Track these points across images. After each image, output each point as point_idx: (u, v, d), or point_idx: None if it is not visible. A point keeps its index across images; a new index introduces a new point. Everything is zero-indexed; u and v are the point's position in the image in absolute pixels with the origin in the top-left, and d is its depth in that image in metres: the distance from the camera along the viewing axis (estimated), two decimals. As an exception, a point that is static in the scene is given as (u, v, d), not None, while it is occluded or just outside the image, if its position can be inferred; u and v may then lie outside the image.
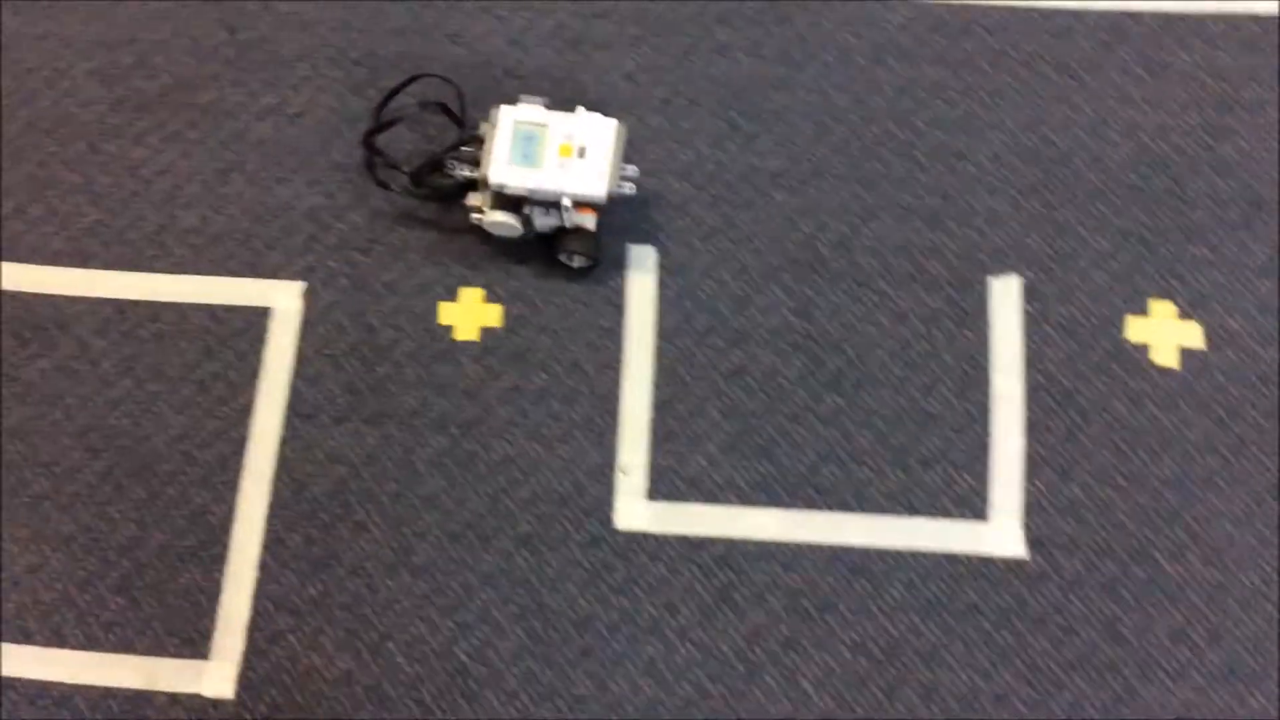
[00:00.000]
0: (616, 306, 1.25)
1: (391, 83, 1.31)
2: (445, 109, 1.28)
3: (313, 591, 1.17)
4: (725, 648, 1.14)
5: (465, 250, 1.27)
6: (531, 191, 1.16)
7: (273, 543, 1.18)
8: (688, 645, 1.14)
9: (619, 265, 1.26)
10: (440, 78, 1.30)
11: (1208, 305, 1.22)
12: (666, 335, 1.24)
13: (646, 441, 1.20)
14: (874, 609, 1.15)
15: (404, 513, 1.19)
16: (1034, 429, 1.19)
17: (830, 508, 1.18)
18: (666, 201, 1.28)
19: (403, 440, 1.21)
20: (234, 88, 1.33)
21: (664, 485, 1.19)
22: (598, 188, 1.16)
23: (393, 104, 1.29)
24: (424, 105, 1.29)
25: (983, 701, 1.11)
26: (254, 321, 1.25)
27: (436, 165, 1.23)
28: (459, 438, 1.21)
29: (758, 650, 1.14)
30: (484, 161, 1.16)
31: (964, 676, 1.12)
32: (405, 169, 1.25)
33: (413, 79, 1.28)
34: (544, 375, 1.23)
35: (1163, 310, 1.22)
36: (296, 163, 1.30)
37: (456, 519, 1.19)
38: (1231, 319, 1.21)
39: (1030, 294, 1.23)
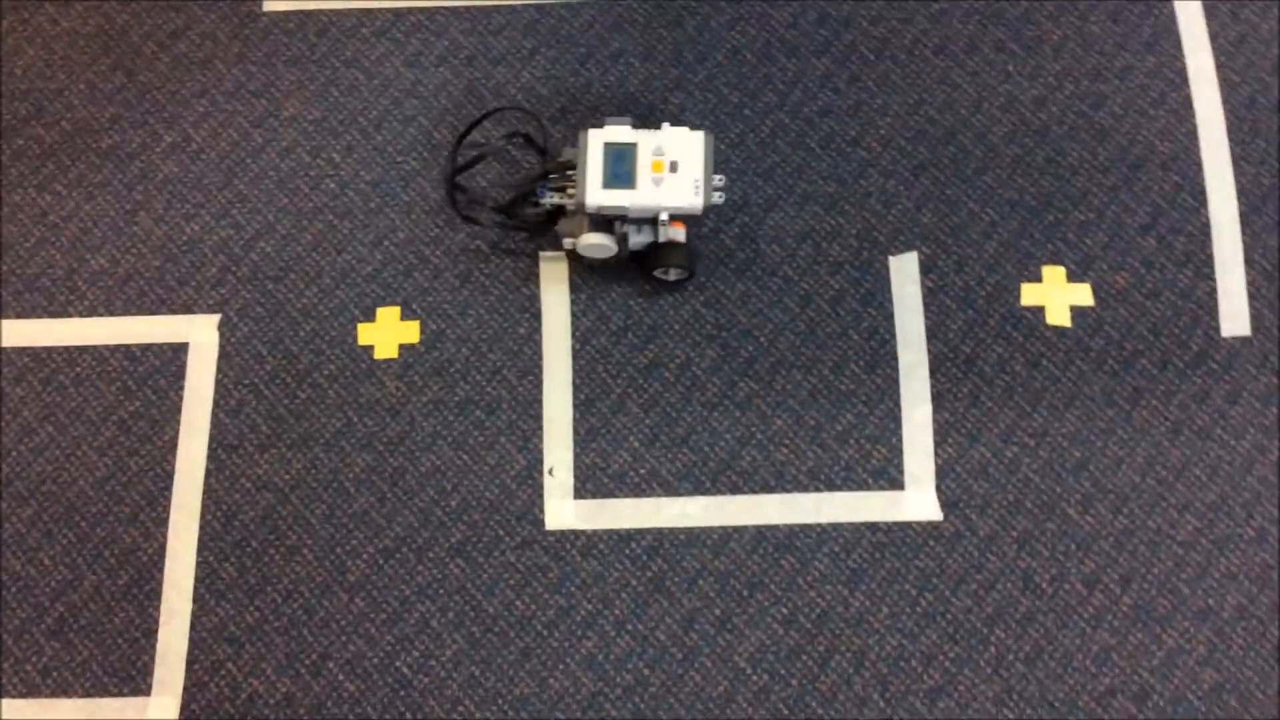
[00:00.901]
0: (532, 314, 1.28)
1: (307, 113, 1.33)
2: (529, 139, 1.29)
3: (249, 619, 1.18)
4: (661, 635, 1.17)
5: (379, 270, 1.29)
6: (628, 210, 1.18)
7: (206, 574, 1.19)
8: (624, 636, 1.17)
9: (531, 274, 1.29)
10: (520, 109, 1.31)
11: (1095, 265, 1.27)
12: (582, 337, 1.27)
13: (570, 442, 1.23)
14: (801, 583, 1.18)
15: (335, 533, 1.20)
16: (941, 397, 1.23)
17: (752, 490, 1.21)
18: (571, 208, 1.31)
19: (329, 462, 1.23)
20: (136, 129, 1.35)
21: (590, 483, 1.22)
22: (694, 200, 1.17)
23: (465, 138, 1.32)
24: (509, 137, 1.30)
25: (911, 662, 1.15)
26: (171, 357, 1.26)
27: (526, 196, 1.24)
28: (385, 454, 1.23)
29: (693, 634, 1.17)
30: (579, 186, 1.18)
31: (892, 640, 1.16)
32: (490, 203, 1.26)
33: (486, 115, 1.30)
34: (466, 386, 1.25)
35: (1053, 274, 1.27)
36: (203, 197, 1.32)
37: (388, 534, 1.20)
38: (1119, 276, 1.27)
39: (927, 269, 1.28)
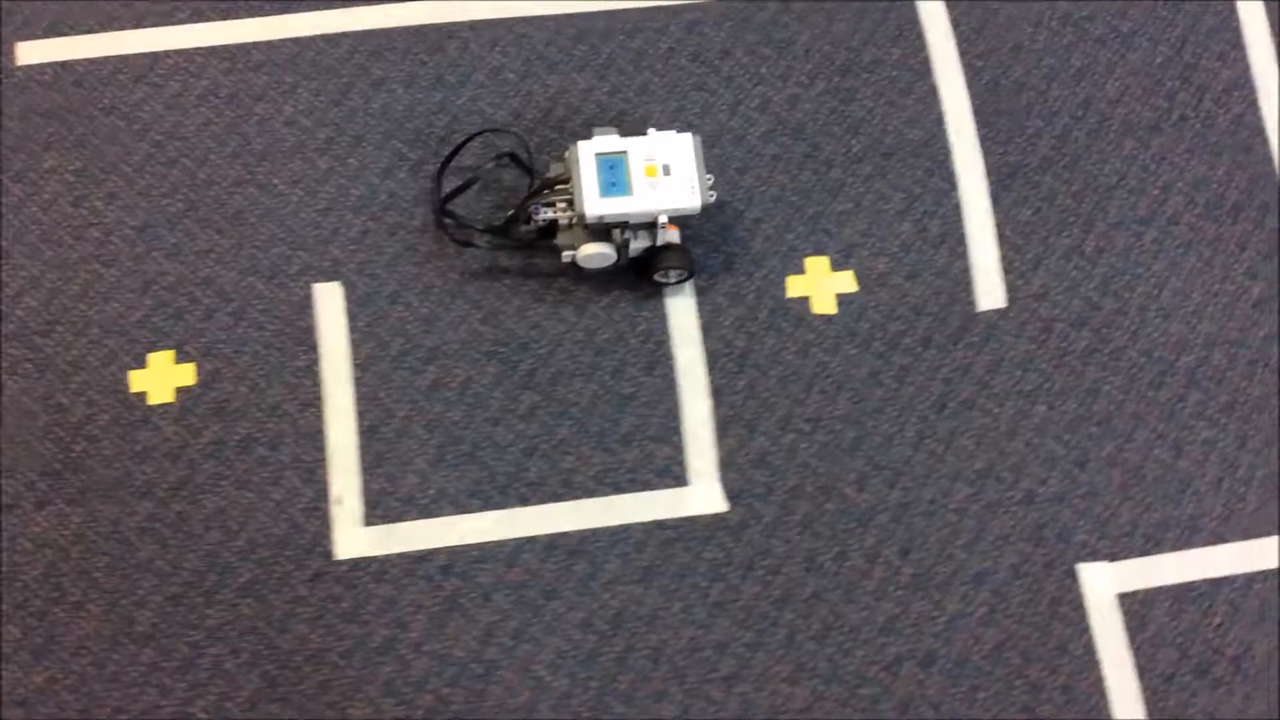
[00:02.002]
0: (309, 346, 1.27)
1: (67, 164, 1.31)
2: (515, 159, 1.30)
3: (37, 680, 1.15)
4: (460, 653, 1.17)
5: (148, 316, 1.27)
6: (628, 217, 1.19)
7: (-13, 640, 1.16)
8: (422, 658, 1.17)
9: (306, 306, 1.28)
10: (503, 130, 1.32)
11: (856, 253, 1.32)
12: (363, 365, 1.27)
13: (357, 469, 1.23)
14: (595, 587, 1.20)
15: (120, 584, 1.18)
16: (718, 392, 1.26)
17: (541, 500, 1.22)
18: (344, 236, 1.31)
19: (109, 514, 1.20)
20: (-116, 192, 1.31)
21: (380, 509, 1.22)
22: (692, 200, 1.20)
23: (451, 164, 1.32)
24: (497, 158, 1.29)
25: (706, 652, 1.17)
26: (-63, 422, 1.23)
27: (518, 215, 1.24)
28: (167, 500, 1.21)
29: (491, 648, 1.17)
30: (576, 198, 1.19)
31: (686, 633, 1.18)
32: (480, 225, 1.27)
33: (468, 140, 1.31)
34: (246, 424, 1.24)
35: (816, 265, 1.31)
36: (-40, 257, 1.29)
37: (175, 581, 1.19)
38: (879, 262, 1.32)
39: (698, 268, 1.31)
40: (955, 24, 1.42)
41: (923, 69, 1.40)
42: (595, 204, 1.20)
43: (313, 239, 1.31)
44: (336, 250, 1.31)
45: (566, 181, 1.24)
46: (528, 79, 1.38)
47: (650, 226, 1.23)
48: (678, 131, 1.24)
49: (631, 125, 1.36)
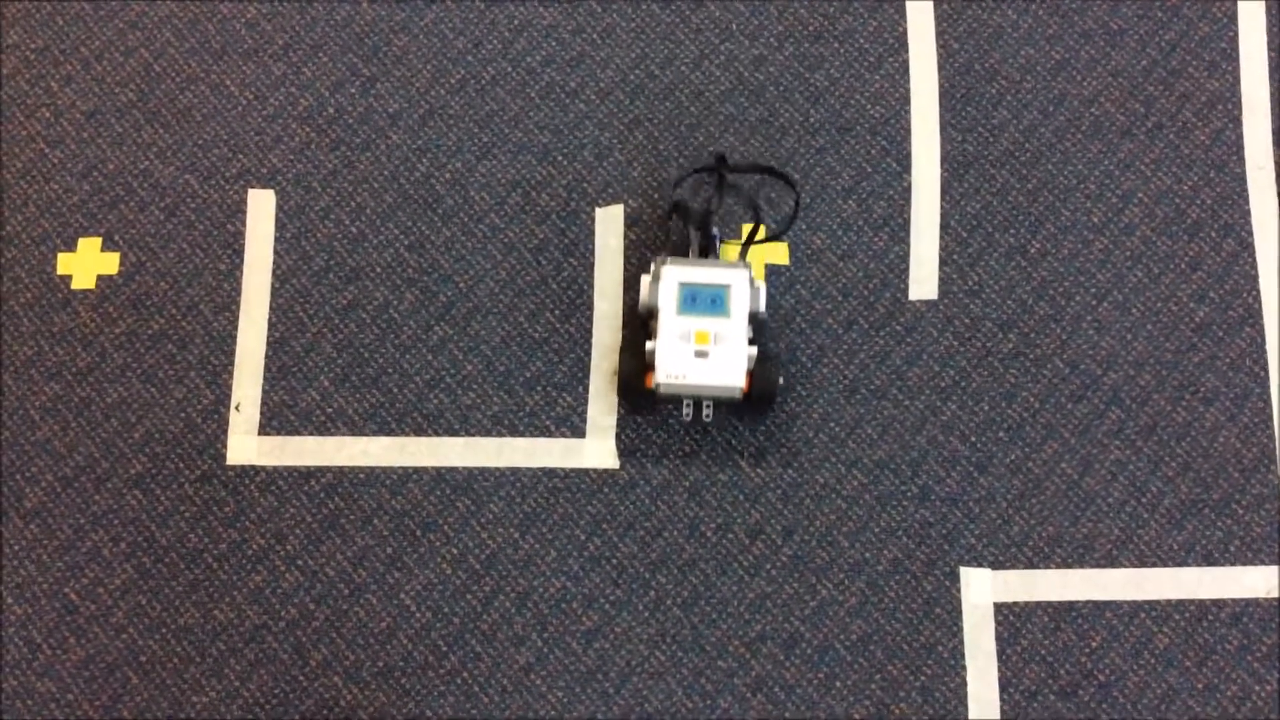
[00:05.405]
0: (235, 250, 1.28)
1: (29, 41, 1.32)
2: (782, 177, 1.28)
3: (-75, 542, 1.18)
4: (330, 571, 1.18)
5: (85, 201, 1.29)
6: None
7: (-116, 497, 1.19)
8: (294, 571, 1.18)
9: (238, 210, 1.29)
10: (786, 179, 1.29)
11: (794, 226, 1.29)
12: (284, 276, 1.27)
13: (260, 379, 1.24)
14: (475, 525, 1.20)
15: (15, 460, 1.21)
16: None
17: (436, 433, 1.23)
18: (286, 146, 1.31)
19: (16, 390, 1.23)
20: None
21: (276, 420, 1.23)
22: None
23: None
24: (764, 171, 1.27)
25: (572, 604, 1.18)
26: None
27: (701, 221, 1.23)
28: (74, 384, 1.23)
29: (362, 571, 1.18)
30: (649, 290, 1.18)
31: (556, 582, 1.18)
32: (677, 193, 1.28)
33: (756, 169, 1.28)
34: (160, 320, 1.26)
35: (746, 232, 1.28)
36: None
37: (69, 463, 1.21)
38: (815, 237, 1.29)
39: (633, 222, 1.29)
40: (937, 0, 1.37)
41: (897, 44, 1.36)
42: (669, 316, 1.17)
43: (254, 144, 1.31)
44: (276, 158, 1.31)
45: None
46: (492, 7, 1.36)
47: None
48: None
49: (587, 68, 1.34)
